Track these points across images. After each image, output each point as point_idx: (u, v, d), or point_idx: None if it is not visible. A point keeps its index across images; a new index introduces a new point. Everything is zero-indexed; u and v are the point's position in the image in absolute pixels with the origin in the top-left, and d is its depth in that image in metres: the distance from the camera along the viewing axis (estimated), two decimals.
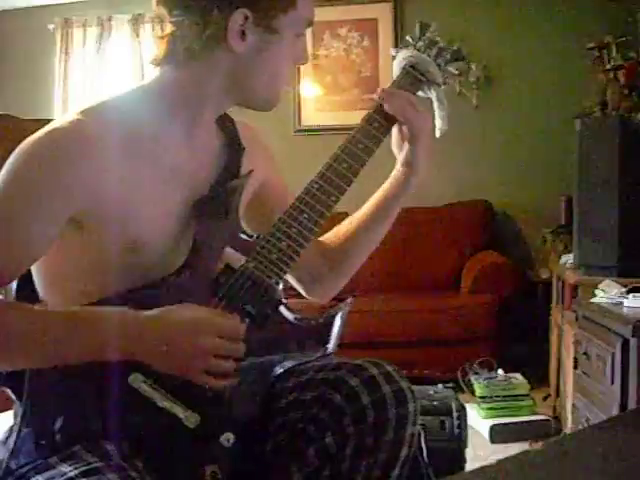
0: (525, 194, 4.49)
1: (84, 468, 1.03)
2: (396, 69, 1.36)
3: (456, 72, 1.39)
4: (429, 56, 1.35)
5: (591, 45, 3.82)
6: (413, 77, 1.33)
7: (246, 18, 1.13)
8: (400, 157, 1.34)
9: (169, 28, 1.14)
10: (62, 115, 1.15)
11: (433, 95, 1.38)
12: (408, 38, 1.38)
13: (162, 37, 1.16)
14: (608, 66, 3.61)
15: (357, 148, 1.25)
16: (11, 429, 1.13)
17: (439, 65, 1.35)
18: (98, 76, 4.98)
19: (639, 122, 3.11)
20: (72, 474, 1.03)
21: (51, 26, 5.01)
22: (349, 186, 1.23)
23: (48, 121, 1.13)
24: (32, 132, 1.10)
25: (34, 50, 5.08)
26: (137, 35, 4.96)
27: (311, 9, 1.21)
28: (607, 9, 4.16)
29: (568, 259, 2.87)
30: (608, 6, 4.16)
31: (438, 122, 1.41)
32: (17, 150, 1.09)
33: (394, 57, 1.38)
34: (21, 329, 1.06)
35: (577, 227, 2.57)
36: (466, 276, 4.06)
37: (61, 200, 1.08)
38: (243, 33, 1.13)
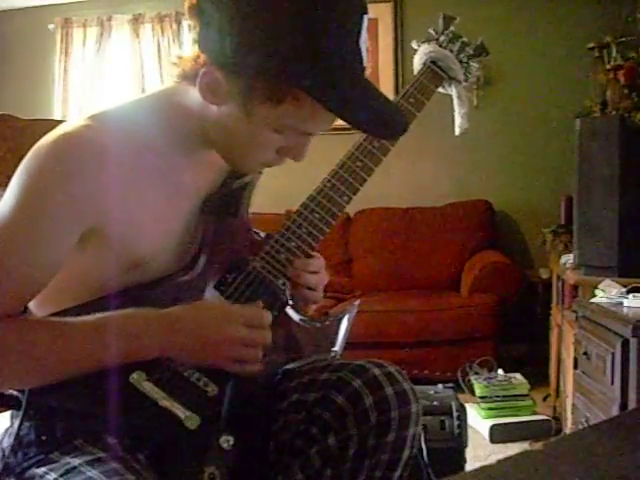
0: (525, 194, 4.49)
1: (88, 458, 1.04)
2: (417, 64, 1.33)
3: (479, 68, 1.36)
4: (451, 51, 1.32)
5: (591, 45, 3.83)
6: (434, 73, 1.31)
7: (217, 80, 1.04)
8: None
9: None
10: (74, 120, 1.10)
11: (454, 92, 1.35)
12: (431, 31, 1.35)
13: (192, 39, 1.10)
14: (608, 66, 3.61)
15: (372, 146, 1.23)
16: (6, 431, 1.13)
17: (461, 61, 1.33)
18: (98, 76, 4.98)
19: (639, 122, 3.11)
20: (76, 463, 1.03)
21: (51, 26, 5.01)
22: (362, 185, 1.21)
23: (48, 121, 1.11)
24: (32, 132, 1.09)
25: (34, 50, 5.08)
26: (137, 35, 4.96)
27: (307, 124, 1.06)
28: (607, 9, 4.16)
29: (568, 259, 2.87)
30: (608, 6, 4.17)
31: (458, 120, 1.39)
32: (29, 159, 1.05)
33: (416, 51, 1.35)
34: (50, 345, 1.06)
35: (577, 227, 2.56)
36: (466, 276, 4.06)
37: (75, 215, 1.05)
38: (217, 87, 1.05)
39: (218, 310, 1.11)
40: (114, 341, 1.06)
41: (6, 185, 1.08)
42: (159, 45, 4.93)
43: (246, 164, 1.15)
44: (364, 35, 1.03)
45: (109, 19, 4.98)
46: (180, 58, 1.12)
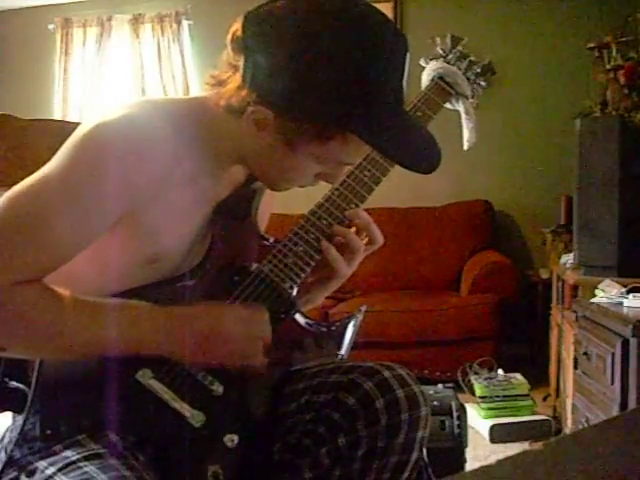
0: (525, 194, 4.49)
1: (86, 453, 1.05)
2: (425, 79, 1.37)
3: (485, 85, 1.40)
4: (459, 69, 1.36)
5: (591, 45, 3.82)
6: (441, 88, 1.35)
7: (267, 117, 1.06)
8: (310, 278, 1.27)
9: (234, 60, 1.08)
10: (132, 100, 1.09)
11: (461, 107, 1.39)
12: (439, 50, 1.40)
13: (229, 63, 1.10)
14: (608, 66, 3.61)
15: (380, 157, 1.25)
16: (7, 429, 1.14)
17: (469, 78, 1.37)
18: (98, 76, 4.99)
19: (639, 122, 3.11)
20: (74, 458, 1.04)
21: (51, 26, 5.01)
22: (369, 195, 1.24)
23: (48, 121, 1.10)
24: (32, 132, 1.08)
25: (34, 50, 5.08)
26: (137, 35, 4.96)
27: (351, 157, 1.13)
28: (607, 9, 4.17)
29: (568, 259, 2.87)
30: (608, 6, 4.17)
31: (466, 134, 1.42)
32: (90, 132, 1.03)
33: (424, 68, 1.39)
34: (73, 318, 1.05)
35: (577, 227, 2.57)
36: (466, 276, 4.06)
37: (124, 194, 1.05)
38: (265, 124, 1.07)
39: (217, 309, 1.11)
40: (118, 325, 1.06)
41: (7, 185, 1.08)
42: (159, 45, 4.94)
43: (282, 186, 1.19)
44: (406, 72, 1.07)
45: (109, 19, 4.98)
46: (214, 77, 1.12)
